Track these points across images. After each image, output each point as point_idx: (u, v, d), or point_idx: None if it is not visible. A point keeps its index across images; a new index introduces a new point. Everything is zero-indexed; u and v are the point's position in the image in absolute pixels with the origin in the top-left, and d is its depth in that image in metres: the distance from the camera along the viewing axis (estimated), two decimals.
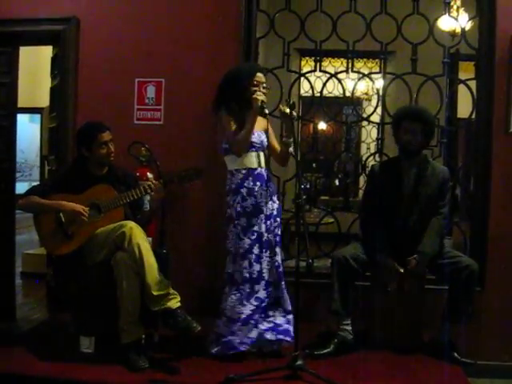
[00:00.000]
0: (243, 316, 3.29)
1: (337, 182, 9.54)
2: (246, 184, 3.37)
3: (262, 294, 3.34)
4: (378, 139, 4.40)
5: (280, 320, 3.38)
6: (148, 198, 3.47)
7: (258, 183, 3.37)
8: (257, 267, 3.34)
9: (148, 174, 3.85)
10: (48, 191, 3.39)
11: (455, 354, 3.36)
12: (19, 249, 5.19)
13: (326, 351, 3.36)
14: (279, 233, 3.47)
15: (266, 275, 3.35)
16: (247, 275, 3.33)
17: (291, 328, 3.34)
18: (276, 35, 4.18)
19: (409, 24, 4.07)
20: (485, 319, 3.77)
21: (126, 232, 3.16)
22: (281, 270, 3.42)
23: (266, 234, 3.37)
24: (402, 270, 3.39)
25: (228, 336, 3.29)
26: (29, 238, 6.49)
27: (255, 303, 3.32)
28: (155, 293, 3.10)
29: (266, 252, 3.37)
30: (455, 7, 5.08)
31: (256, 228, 3.36)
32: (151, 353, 3.24)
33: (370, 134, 8.40)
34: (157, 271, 3.15)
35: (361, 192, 8.19)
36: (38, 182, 6.65)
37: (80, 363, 3.14)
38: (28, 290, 5.45)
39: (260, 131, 3.43)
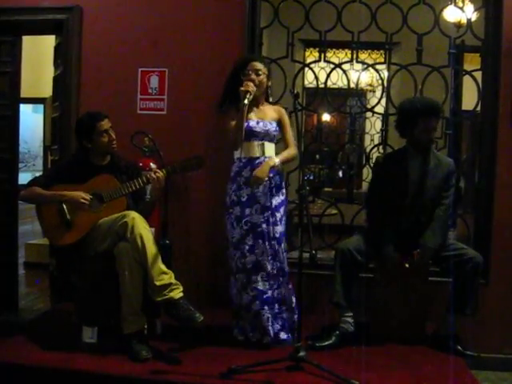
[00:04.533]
0: (243, 303, 3.36)
1: (340, 174, 9.53)
2: (243, 173, 3.38)
3: (260, 285, 3.33)
4: (382, 130, 4.38)
5: (286, 316, 3.41)
6: (150, 187, 3.46)
7: None
8: (251, 258, 3.34)
9: (151, 164, 3.84)
10: (50, 182, 3.38)
11: (458, 347, 3.36)
12: (22, 239, 5.19)
13: (327, 343, 3.35)
14: (279, 229, 3.40)
15: (266, 266, 3.34)
16: (240, 265, 3.36)
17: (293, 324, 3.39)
18: (280, 25, 4.15)
19: (414, 14, 4.04)
20: (488, 312, 3.76)
21: (129, 222, 3.15)
22: (283, 266, 3.41)
23: (263, 226, 3.35)
24: (407, 265, 3.38)
25: (243, 323, 3.37)
26: (32, 228, 6.50)
27: (252, 293, 3.33)
28: (158, 283, 3.09)
29: (263, 244, 3.34)
30: None
31: (249, 218, 3.35)
32: (154, 343, 3.24)
33: (374, 126, 8.37)
34: (159, 261, 3.14)
35: (364, 184, 8.18)
36: (42, 173, 6.65)
37: (82, 353, 3.14)
38: (31, 280, 5.46)
39: (268, 120, 3.43)
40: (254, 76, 3.37)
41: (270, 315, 3.34)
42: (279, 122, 3.49)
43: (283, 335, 3.37)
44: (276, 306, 3.38)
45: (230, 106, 3.41)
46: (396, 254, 3.39)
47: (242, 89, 3.27)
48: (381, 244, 3.42)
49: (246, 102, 3.25)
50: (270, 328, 3.33)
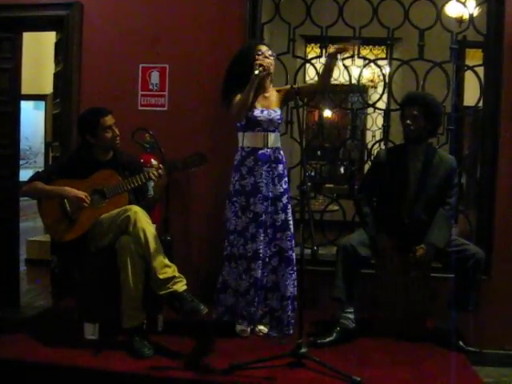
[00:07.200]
0: (241, 289, 3.40)
1: (342, 170, 9.53)
2: (246, 162, 3.40)
3: (257, 272, 3.37)
4: (383, 126, 4.37)
5: (275, 305, 3.44)
6: (152, 184, 3.45)
7: (260, 163, 3.38)
8: (252, 246, 3.38)
9: (152, 160, 3.83)
10: (52, 177, 3.38)
11: (460, 343, 3.35)
12: (24, 236, 5.19)
13: (328, 340, 3.34)
14: (283, 217, 3.43)
15: (262, 255, 3.38)
16: (243, 252, 3.40)
17: (285, 316, 3.41)
18: (281, 20, 4.14)
19: (416, 10, 4.02)
20: (490, 308, 3.76)
21: (131, 216, 3.14)
22: (287, 254, 3.43)
23: (264, 216, 3.38)
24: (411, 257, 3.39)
25: (235, 305, 3.41)
26: (33, 225, 6.53)
27: (251, 280, 3.38)
28: (161, 276, 3.07)
29: (262, 233, 3.38)
30: None
31: (252, 208, 3.38)
32: (155, 339, 3.23)
33: (375, 122, 8.36)
34: (162, 255, 3.13)
35: None
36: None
37: (84, 350, 3.13)
38: (32, 276, 5.46)
39: (273, 109, 3.43)
40: (267, 54, 3.39)
41: (263, 307, 3.42)
42: (287, 94, 3.47)
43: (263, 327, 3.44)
44: (268, 295, 3.44)
45: (236, 93, 3.39)
46: (387, 240, 3.42)
47: (258, 62, 3.29)
48: (372, 234, 3.44)
49: (257, 72, 3.26)
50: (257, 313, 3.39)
